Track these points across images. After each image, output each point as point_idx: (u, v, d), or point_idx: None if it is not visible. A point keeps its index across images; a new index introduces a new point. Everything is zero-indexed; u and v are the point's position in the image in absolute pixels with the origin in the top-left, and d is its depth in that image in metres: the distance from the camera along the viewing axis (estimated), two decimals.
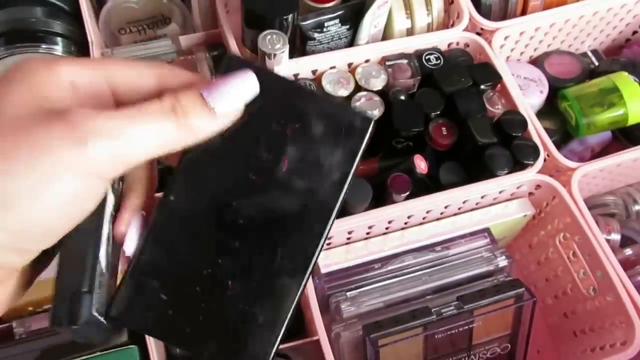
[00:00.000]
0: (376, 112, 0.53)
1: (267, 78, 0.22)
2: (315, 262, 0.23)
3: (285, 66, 0.47)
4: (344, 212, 0.48)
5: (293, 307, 0.22)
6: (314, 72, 0.55)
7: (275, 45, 0.45)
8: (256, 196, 0.23)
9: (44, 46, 0.54)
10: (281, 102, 0.23)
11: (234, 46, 0.54)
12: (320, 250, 0.23)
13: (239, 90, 0.22)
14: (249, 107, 0.22)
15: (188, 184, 0.23)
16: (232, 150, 0.23)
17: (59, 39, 0.56)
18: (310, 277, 0.28)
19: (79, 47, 0.57)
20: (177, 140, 0.21)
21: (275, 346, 0.22)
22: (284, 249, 0.22)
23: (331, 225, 0.23)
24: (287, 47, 0.45)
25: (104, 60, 0.25)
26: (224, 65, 0.23)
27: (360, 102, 0.54)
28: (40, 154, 0.19)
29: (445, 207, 0.52)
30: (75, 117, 0.19)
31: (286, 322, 0.22)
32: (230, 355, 0.22)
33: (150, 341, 0.44)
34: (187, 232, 0.23)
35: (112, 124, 0.20)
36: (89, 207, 0.21)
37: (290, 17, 0.50)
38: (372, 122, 0.23)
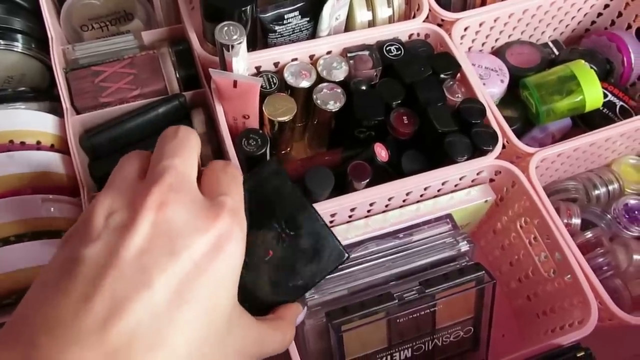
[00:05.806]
0: (338, 103, 0.54)
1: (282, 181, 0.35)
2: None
3: (244, 58, 0.47)
4: None
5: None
6: (275, 64, 0.56)
7: (232, 37, 0.45)
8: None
9: (2, 43, 0.54)
10: (284, 206, 0.35)
11: (195, 40, 0.55)
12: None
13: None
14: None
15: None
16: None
17: (18, 36, 0.56)
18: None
19: (40, 44, 0.57)
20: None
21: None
22: None
23: None
24: (245, 38, 0.45)
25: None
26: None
27: (322, 93, 0.54)
28: None
29: (407, 195, 0.52)
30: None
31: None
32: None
33: None
34: None
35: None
36: None
37: (248, 9, 0.50)
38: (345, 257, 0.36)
